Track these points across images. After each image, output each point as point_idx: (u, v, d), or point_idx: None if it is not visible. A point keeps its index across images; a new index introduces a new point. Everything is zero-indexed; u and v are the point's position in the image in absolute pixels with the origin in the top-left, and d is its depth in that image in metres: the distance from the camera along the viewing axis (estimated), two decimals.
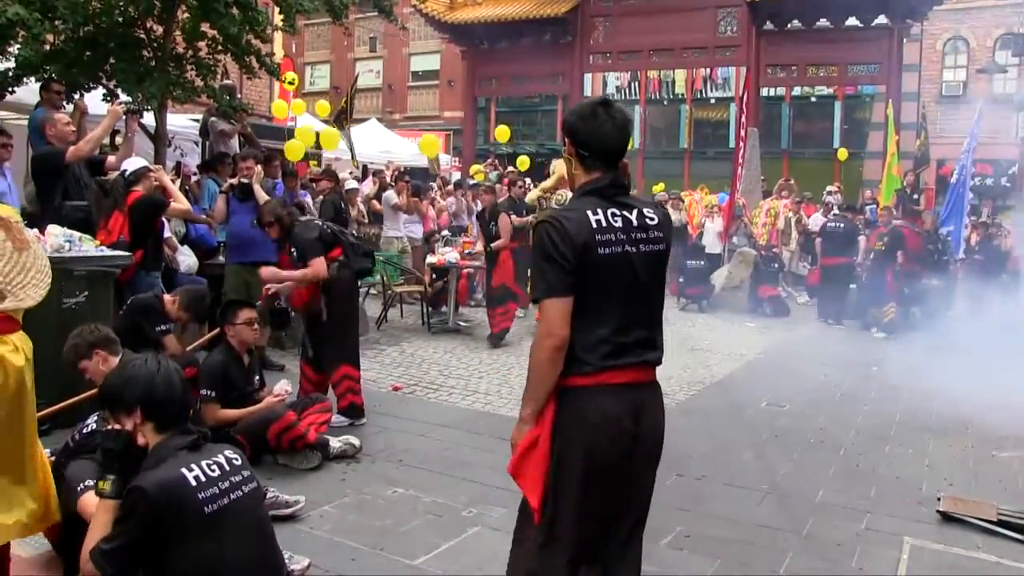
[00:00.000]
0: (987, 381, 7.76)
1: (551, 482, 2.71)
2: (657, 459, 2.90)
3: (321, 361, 6.40)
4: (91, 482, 3.22)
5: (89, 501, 3.16)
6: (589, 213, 2.67)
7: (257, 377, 5.82)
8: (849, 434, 6.66)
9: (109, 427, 2.83)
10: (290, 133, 14.51)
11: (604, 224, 2.67)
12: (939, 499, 5.02)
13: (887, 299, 11.97)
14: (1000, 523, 4.69)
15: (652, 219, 2.77)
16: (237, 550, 2.74)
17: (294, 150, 12.56)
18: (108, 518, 2.70)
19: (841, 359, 9.85)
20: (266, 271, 6.33)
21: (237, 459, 2.87)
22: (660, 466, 5.53)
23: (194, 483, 2.66)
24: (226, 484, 2.75)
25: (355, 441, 5.69)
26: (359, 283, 7.18)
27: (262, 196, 7.94)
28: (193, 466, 2.70)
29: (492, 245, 10.08)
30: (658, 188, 19.17)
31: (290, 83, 14.22)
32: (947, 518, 4.82)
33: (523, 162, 19.26)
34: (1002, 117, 23.04)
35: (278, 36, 19.52)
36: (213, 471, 2.74)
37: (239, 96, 12.06)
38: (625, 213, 2.73)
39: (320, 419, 5.85)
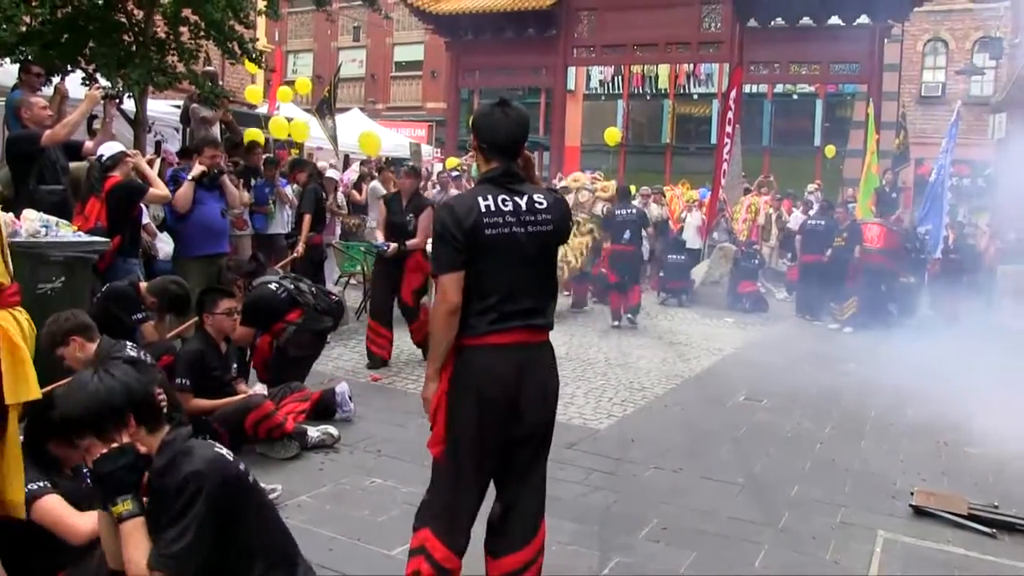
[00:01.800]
0: (961, 378, 7.86)
1: (451, 429, 3.12)
2: (550, 402, 3.28)
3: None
4: (42, 483, 3.08)
5: (48, 505, 3.04)
6: (480, 199, 3.08)
7: (235, 366, 5.79)
8: (825, 429, 6.71)
9: (104, 451, 2.63)
10: (269, 122, 14.43)
11: (493, 208, 3.07)
12: (912, 494, 5.07)
13: (849, 293, 12.06)
14: (971, 517, 4.76)
15: (541, 204, 3.16)
16: (277, 516, 2.87)
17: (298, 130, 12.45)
18: (142, 534, 2.60)
19: (818, 355, 9.92)
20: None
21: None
22: (638, 459, 5.65)
23: (231, 458, 2.71)
24: (239, 459, 2.80)
25: (333, 431, 5.67)
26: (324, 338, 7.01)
27: (230, 187, 7.89)
28: (216, 445, 2.74)
29: (408, 243, 7.94)
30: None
31: (271, 70, 14.07)
32: (919, 512, 4.88)
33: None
34: (978, 119, 23.26)
35: (261, 23, 19.39)
36: (228, 450, 2.78)
37: (221, 83, 11.97)
38: (515, 198, 3.13)
39: (298, 408, 5.82)
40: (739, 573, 4.10)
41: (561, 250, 11.00)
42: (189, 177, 7.58)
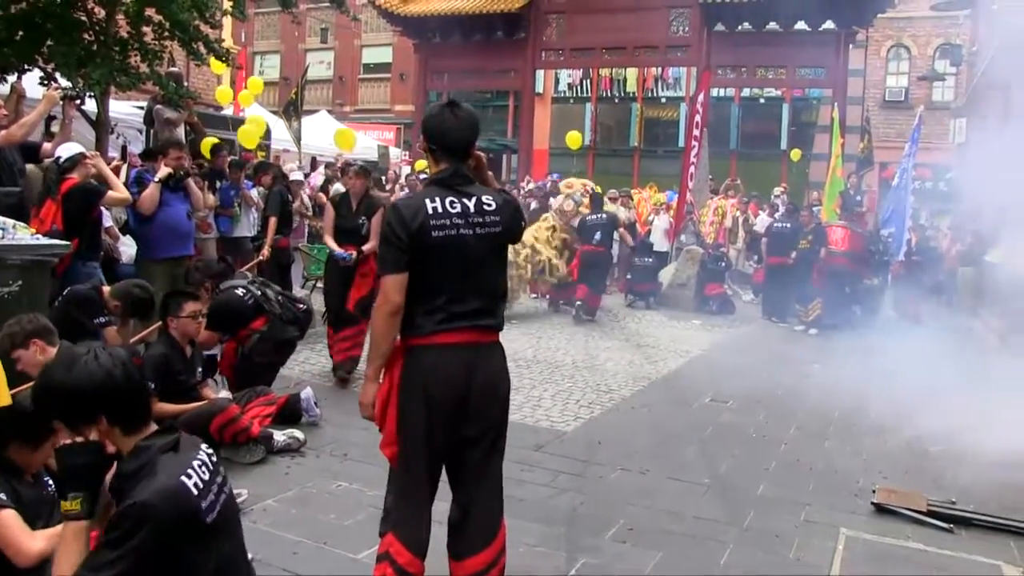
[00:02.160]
0: (923, 378, 7.95)
1: (402, 428, 3.15)
2: (500, 402, 3.31)
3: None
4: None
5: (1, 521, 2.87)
6: (427, 201, 3.11)
7: (200, 369, 5.73)
8: (790, 430, 6.76)
9: (68, 441, 2.42)
10: (235, 123, 14.28)
11: (440, 210, 3.10)
12: (874, 491, 5.14)
13: (814, 295, 12.17)
14: (930, 513, 4.84)
15: (490, 205, 3.20)
16: (225, 554, 2.54)
17: (248, 137, 12.30)
18: (79, 541, 2.38)
19: (784, 356, 10.00)
20: None
21: (212, 453, 2.60)
22: (605, 461, 5.67)
23: (196, 492, 2.39)
24: (215, 487, 2.49)
25: (299, 435, 5.64)
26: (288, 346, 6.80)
27: (194, 189, 7.81)
28: (190, 472, 2.42)
29: (365, 248, 7.44)
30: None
31: (238, 67, 13.93)
32: (881, 509, 4.95)
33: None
34: (940, 123, 23.61)
35: (227, 23, 19.26)
36: (205, 474, 2.47)
37: (186, 84, 11.86)
38: (464, 200, 3.16)
39: (264, 412, 5.77)
40: (704, 572, 4.12)
41: (529, 246, 11.23)
42: (155, 179, 7.43)
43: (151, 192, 7.34)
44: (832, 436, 6.63)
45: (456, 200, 3.14)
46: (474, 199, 3.18)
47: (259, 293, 6.48)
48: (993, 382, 7.95)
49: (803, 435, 6.63)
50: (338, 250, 7.51)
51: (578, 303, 12.07)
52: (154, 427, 2.52)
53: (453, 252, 3.10)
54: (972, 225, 13.96)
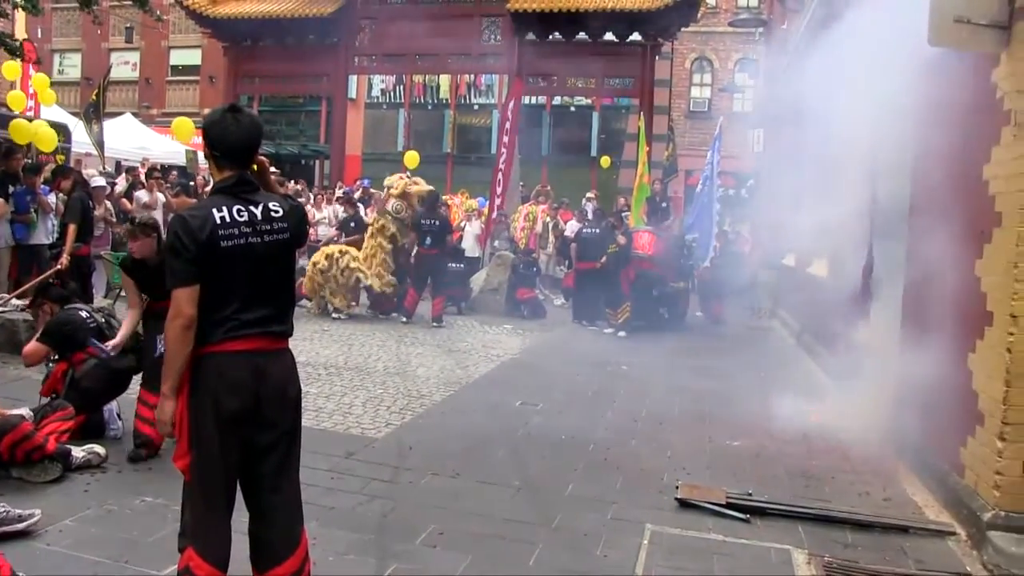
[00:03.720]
0: (725, 375, 8.32)
1: (194, 438, 3.08)
2: (291, 408, 3.27)
3: None
4: None
5: None
6: (214, 211, 3.06)
7: None
8: (598, 430, 6.88)
9: None
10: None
11: (228, 220, 3.06)
12: (677, 487, 5.30)
13: (622, 299, 12.54)
14: (728, 505, 5.03)
15: (277, 212, 3.19)
16: None
17: (20, 132, 11.33)
18: None
19: (594, 359, 10.19)
20: None
21: None
22: (416, 467, 5.61)
23: None
24: None
25: (100, 450, 5.33)
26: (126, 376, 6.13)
27: None
28: None
29: None
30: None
31: (37, 61, 12.89)
32: (684, 504, 5.10)
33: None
34: (741, 133, 25.00)
35: (20, 17, 17.99)
36: None
37: None
38: (251, 208, 3.14)
39: (61, 427, 5.38)
40: (514, 573, 4.12)
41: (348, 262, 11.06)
42: None
43: None
44: (639, 435, 6.79)
45: (243, 208, 3.12)
46: (261, 206, 3.16)
47: (103, 320, 6.14)
48: (787, 377, 8.43)
49: (611, 435, 6.76)
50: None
51: (404, 320, 12.44)
52: None
53: (242, 261, 3.08)
54: (770, 230, 14.82)
